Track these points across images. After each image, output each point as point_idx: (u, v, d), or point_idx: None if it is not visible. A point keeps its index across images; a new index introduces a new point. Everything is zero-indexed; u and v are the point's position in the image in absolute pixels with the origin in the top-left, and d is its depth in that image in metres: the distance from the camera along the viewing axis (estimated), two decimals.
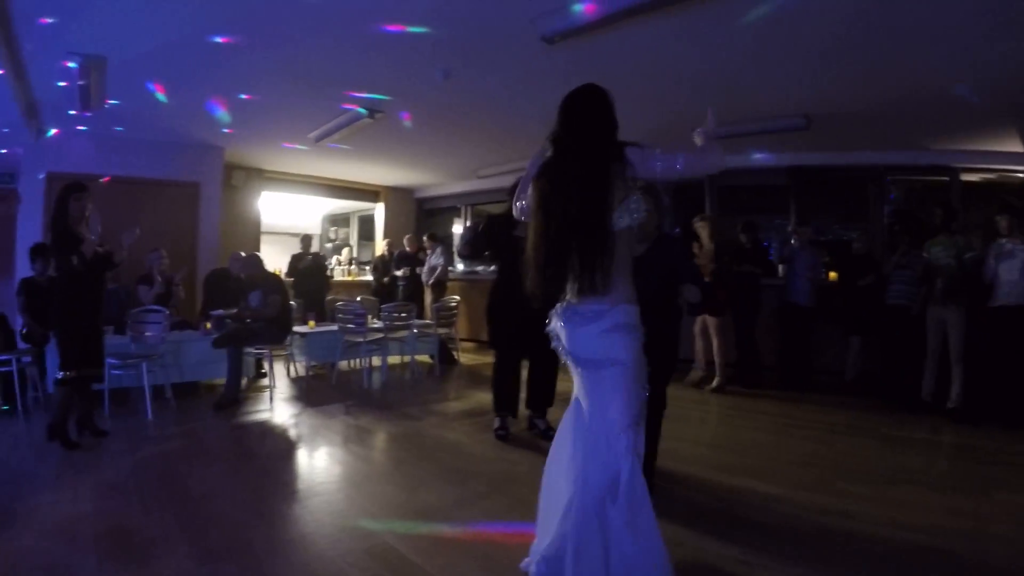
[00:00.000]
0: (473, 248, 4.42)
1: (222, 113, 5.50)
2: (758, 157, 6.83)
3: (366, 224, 10.84)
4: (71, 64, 3.96)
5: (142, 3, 3.50)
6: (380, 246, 9.60)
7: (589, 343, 2.09)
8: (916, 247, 5.42)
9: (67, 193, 3.68)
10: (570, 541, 1.98)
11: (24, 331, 4.60)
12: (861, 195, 6.88)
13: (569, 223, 2.05)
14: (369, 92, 5.30)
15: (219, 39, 3.99)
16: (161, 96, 4.93)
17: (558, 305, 2.17)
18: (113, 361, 4.35)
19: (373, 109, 5.64)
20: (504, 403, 4.28)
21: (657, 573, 2.05)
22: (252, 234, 8.50)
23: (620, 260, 2.08)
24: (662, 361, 3.16)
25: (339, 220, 11.76)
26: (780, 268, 6.58)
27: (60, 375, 3.73)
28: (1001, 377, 4.72)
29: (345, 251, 10.01)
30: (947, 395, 4.87)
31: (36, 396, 4.82)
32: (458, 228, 10.38)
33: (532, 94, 5.03)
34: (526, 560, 2.27)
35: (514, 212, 2.44)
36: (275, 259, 8.84)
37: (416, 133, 6.50)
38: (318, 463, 3.84)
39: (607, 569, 1.97)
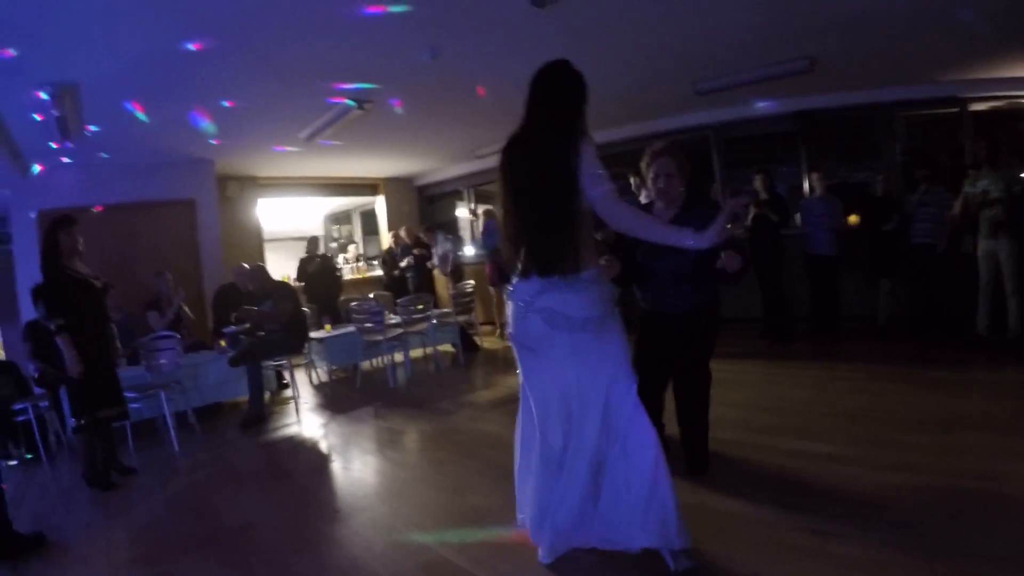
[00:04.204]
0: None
1: (207, 124, 5.24)
2: (762, 105, 6.53)
3: (369, 219, 10.61)
4: (43, 95, 3.72)
5: (104, 21, 3.25)
6: (386, 239, 9.40)
7: (581, 304, 2.13)
8: (935, 183, 5.27)
9: (55, 228, 3.47)
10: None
11: (37, 376, 4.39)
12: (871, 135, 6.57)
13: (535, 200, 2.12)
14: (355, 82, 5.03)
15: (191, 46, 3.72)
16: (141, 115, 4.68)
17: (520, 274, 2.21)
18: (130, 395, 4.12)
19: (361, 100, 5.37)
20: None
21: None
22: (254, 244, 8.26)
23: (586, 233, 2.15)
24: (704, 335, 3.03)
25: (341, 218, 11.53)
26: (798, 217, 6.33)
27: (75, 422, 3.53)
28: None
29: (351, 248, 9.79)
30: (1004, 327, 4.72)
31: (58, 440, 4.59)
32: (462, 212, 10.13)
33: (525, 63, 4.72)
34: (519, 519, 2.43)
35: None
36: (282, 265, 8.68)
37: (409, 119, 6.23)
38: (355, 475, 3.64)
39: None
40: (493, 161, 7.95)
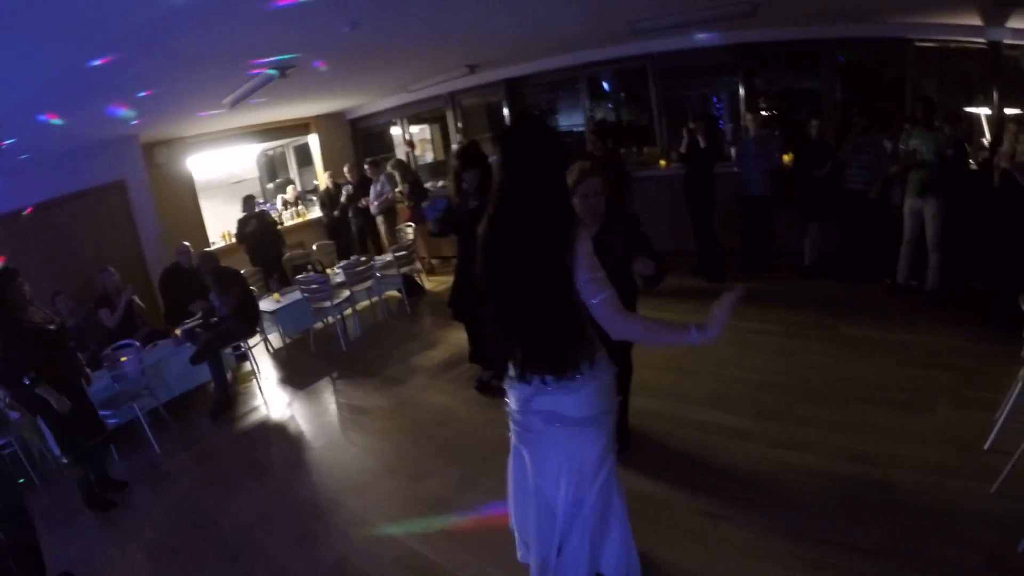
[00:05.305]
0: (444, 226, 4.56)
1: (125, 112, 5.25)
2: (701, 37, 6.72)
3: (303, 151, 10.56)
4: None
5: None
6: (322, 179, 9.50)
7: (583, 404, 2.11)
8: (872, 130, 5.62)
9: (1, 284, 3.68)
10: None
11: (8, 400, 4.56)
12: (811, 70, 6.86)
13: (532, 310, 2.02)
14: (275, 55, 5.08)
15: (97, 62, 3.77)
16: (56, 121, 4.69)
17: (516, 376, 2.15)
18: (105, 412, 4.56)
19: (283, 67, 5.43)
20: (479, 358, 4.82)
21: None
22: (190, 205, 8.33)
23: (587, 325, 2.07)
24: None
25: (276, 156, 11.33)
26: (732, 151, 6.78)
27: (65, 460, 3.97)
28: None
29: (290, 189, 9.87)
30: (924, 277, 5.26)
31: (43, 458, 4.81)
32: (396, 130, 10.20)
33: (453, 12, 4.82)
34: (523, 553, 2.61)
35: None
36: (219, 213, 8.79)
37: (335, 73, 6.27)
38: (327, 466, 4.23)
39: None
40: (425, 93, 8.17)
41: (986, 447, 3.14)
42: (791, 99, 7.43)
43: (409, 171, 7.88)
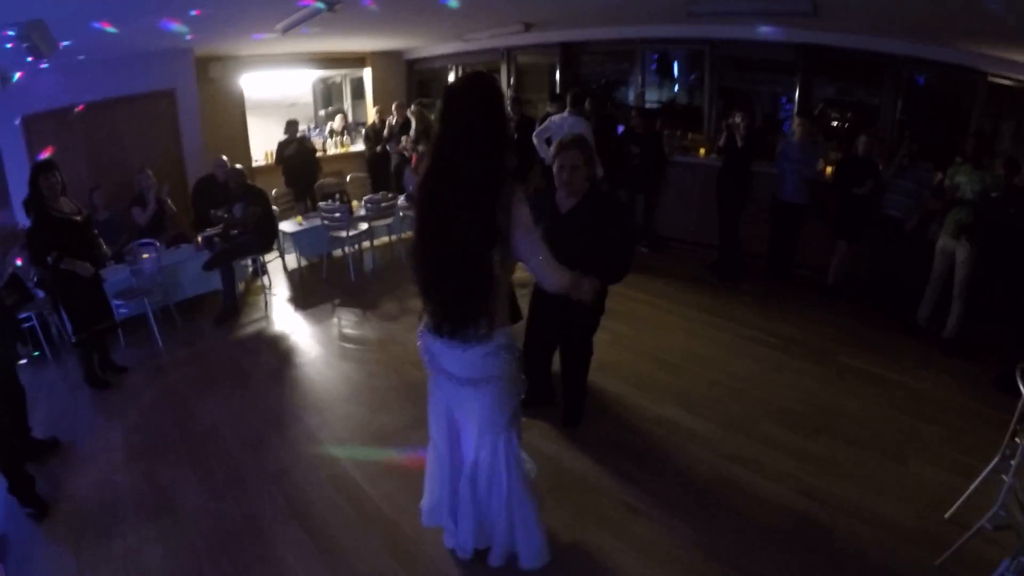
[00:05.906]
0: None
1: (178, 27, 5.60)
2: (764, 30, 6.54)
3: (359, 84, 10.85)
4: (10, 32, 4.10)
5: None
6: (371, 112, 9.79)
7: (466, 364, 2.29)
8: (922, 157, 5.41)
9: (36, 173, 4.08)
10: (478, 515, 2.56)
11: (36, 280, 5.02)
12: (875, 84, 6.59)
13: (448, 263, 2.14)
14: None
15: None
16: (111, 29, 5.07)
17: (429, 319, 2.31)
18: (118, 302, 5.08)
19: (332, 1, 5.65)
20: None
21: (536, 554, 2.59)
22: (237, 121, 8.75)
23: (499, 291, 2.20)
24: (590, 318, 3.63)
25: (331, 85, 11.69)
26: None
27: (74, 338, 4.49)
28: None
29: (339, 118, 10.23)
30: (944, 322, 5.03)
31: (60, 336, 5.31)
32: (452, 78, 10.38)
33: None
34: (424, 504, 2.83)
35: None
36: (270, 132, 9.12)
37: (385, 13, 6.45)
38: (302, 385, 4.64)
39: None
40: (482, 44, 8.36)
41: (947, 515, 3.00)
42: (862, 114, 7.17)
43: (424, 119, 8.03)
